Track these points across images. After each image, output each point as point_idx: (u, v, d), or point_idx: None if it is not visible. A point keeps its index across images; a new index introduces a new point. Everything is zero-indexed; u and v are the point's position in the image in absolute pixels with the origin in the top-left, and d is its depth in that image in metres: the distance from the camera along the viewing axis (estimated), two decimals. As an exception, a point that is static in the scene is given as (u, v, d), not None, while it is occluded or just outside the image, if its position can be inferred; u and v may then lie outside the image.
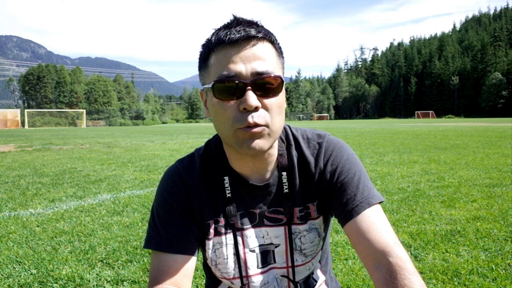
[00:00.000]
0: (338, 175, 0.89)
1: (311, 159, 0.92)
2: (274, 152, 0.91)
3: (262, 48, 0.78)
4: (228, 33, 0.76)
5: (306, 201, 0.92)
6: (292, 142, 0.94)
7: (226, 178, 0.90)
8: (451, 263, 2.38)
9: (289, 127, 0.97)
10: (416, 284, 0.71)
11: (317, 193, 0.92)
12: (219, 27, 0.81)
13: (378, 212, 0.84)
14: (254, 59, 0.76)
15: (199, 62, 0.85)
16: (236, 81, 0.76)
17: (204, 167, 0.92)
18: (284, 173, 0.91)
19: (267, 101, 0.78)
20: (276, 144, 0.91)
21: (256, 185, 0.90)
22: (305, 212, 0.92)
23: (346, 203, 0.85)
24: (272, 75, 0.77)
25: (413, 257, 2.53)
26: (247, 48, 0.77)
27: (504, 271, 2.26)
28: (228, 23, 0.80)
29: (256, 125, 0.77)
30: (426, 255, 2.53)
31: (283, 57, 0.85)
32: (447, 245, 2.71)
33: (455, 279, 2.18)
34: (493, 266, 2.32)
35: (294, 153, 0.93)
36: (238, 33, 0.76)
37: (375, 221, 0.82)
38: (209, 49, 0.80)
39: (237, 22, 0.79)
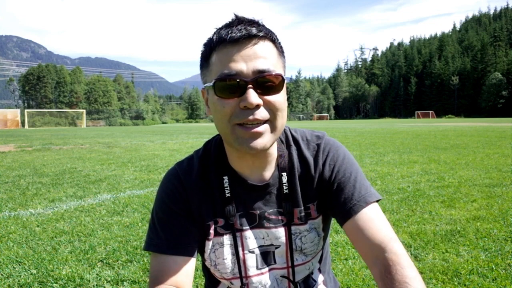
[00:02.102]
0: (336, 175, 0.90)
1: (311, 160, 0.93)
2: (274, 152, 0.91)
3: (263, 47, 0.78)
4: (230, 32, 0.77)
5: (307, 201, 0.92)
6: (292, 143, 0.95)
7: (226, 178, 0.90)
8: (451, 263, 2.38)
9: (289, 128, 0.98)
10: (408, 277, 0.74)
11: (317, 193, 0.92)
12: (220, 26, 0.81)
13: (375, 210, 0.86)
14: (255, 58, 0.77)
15: (200, 61, 0.85)
16: (237, 79, 0.76)
17: (203, 168, 0.93)
18: (284, 174, 0.91)
19: (269, 98, 0.78)
20: (275, 144, 0.91)
21: (256, 185, 0.90)
22: (305, 212, 0.92)
23: (344, 202, 0.87)
24: (273, 73, 0.78)
25: (413, 257, 2.53)
26: (248, 46, 0.77)
27: (504, 271, 2.26)
28: (229, 22, 0.80)
29: (257, 122, 0.77)
30: (426, 255, 2.53)
31: (284, 56, 0.85)
32: (447, 245, 2.71)
33: (455, 279, 2.18)
34: (493, 266, 2.32)
35: (294, 154, 0.93)
36: (239, 32, 0.76)
37: (372, 218, 0.84)
38: (210, 48, 0.80)
39: (238, 21, 0.79)
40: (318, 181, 0.92)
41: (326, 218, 0.96)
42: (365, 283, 2.17)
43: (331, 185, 0.90)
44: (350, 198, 0.87)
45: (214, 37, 0.79)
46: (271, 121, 0.79)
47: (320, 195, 0.92)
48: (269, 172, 0.91)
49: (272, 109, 0.79)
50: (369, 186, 0.90)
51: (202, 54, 0.83)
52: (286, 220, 0.91)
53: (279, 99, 0.80)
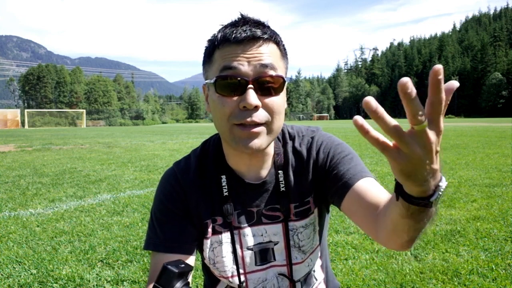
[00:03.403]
0: (331, 159, 0.90)
1: (305, 152, 0.93)
2: (271, 150, 0.92)
3: (267, 49, 0.79)
4: (234, 31, 0.77)
5: (304, 196, 0.93)
6: (288, 140, 0.95)
7: (223, 177, 0.91)
8: (451, 263, 2.38)
9: (285, 125, 0.98)
10: None
11: (313, 185, 0.93)
12: (226, 24, 0.81)
13: (372, 180, 0.84)
14: (258, 59, 0.77)
15: (203, 56, 0.85)
16: (238, 78, 0.77)
17: (201, 167, 0.93)
18: (281, 172, 0.92)
19: (268, 100, 0.79)
20: (272, 143, 0.92)
21: (253, 183, 0.91)
22: (302, 208, 0.93)
23: (340, 177, 0.85)
24: (274, 75, 0.78)
25: (413, 257, 2.53)
26: (252, 48, 0.78)
27: (504, 271, 2.26)
28: (235, 21, 0.81)
29: (255, 124, 0.77)
30: (426, 255, 2.53)
31: (287, 58, 0.86)
32: (447, 245, 2.71)
33: (455, 279, 2.18)
34: (493, 266, 2.32)
35: (290, 151, 0.94)
36: (244, 33, 0.77)
37: (370, 187, 0.81)
38: (214, 46, 0.80)
39: (244, 21, 0.80)
40: (313, 171, 0.92)
41: (321, 212, 0.97)
42: (365, 283, 2.17)
43: (328, 169, 0.89)
44: (346, 173, 0.85)
45: (219, 35, 0.79)
46: (268, 124, 0.80)
47: (316, 186, 0.93)
48: (265, 170, 0.92)
49: (270, 112, 0.79)
50: (365, 167, 0.88)
51: (205, 50, 0.84)
52: (283, 216, 0.92)
53: (278, 101, 0.80)
